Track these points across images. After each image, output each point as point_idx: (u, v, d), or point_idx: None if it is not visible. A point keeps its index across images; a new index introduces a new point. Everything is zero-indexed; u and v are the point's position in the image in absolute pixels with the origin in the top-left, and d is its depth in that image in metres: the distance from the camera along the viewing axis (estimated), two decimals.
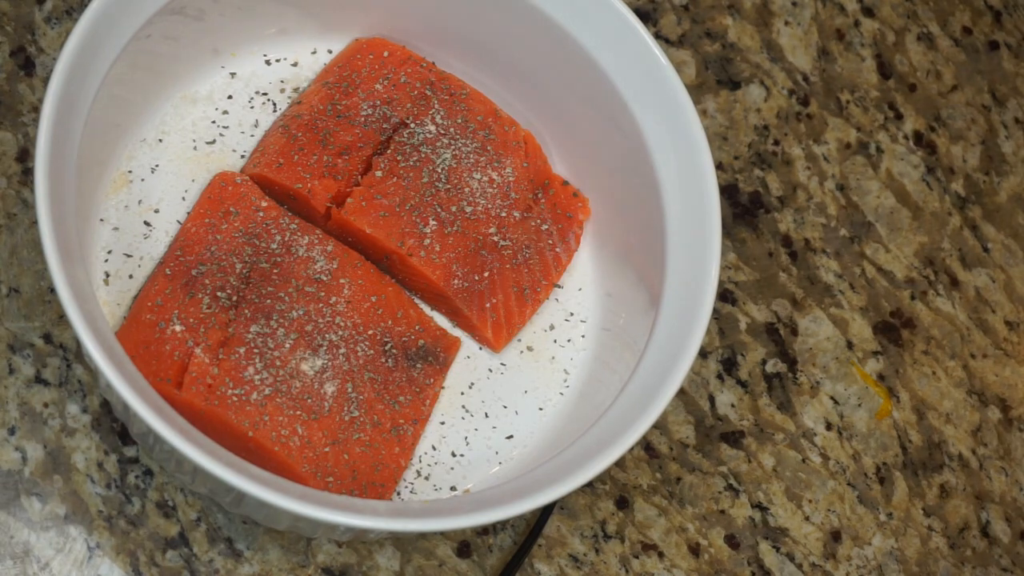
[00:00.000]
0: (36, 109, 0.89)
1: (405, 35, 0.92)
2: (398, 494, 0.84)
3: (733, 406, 0.94)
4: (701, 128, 0.85)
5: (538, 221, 0.90)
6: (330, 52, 0.92)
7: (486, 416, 0.87)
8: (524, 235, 0.89)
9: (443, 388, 0.87)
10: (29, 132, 0.89)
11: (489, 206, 0.88)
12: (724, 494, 0.92)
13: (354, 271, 0.85)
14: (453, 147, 0.88)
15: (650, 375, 0.81)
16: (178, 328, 0.80)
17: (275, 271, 0.83)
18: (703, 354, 0.95)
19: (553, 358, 0.89)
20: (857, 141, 1.03)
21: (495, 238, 0.88)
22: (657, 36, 1.01)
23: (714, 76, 1.02)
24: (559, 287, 0.91)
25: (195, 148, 0.88)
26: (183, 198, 0.87)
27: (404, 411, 0.84)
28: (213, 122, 0.89)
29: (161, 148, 0.88)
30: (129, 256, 0.85)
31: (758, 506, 0.93)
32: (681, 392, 0.94)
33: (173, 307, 0.81)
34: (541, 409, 0.88)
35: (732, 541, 0.92)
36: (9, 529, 0.82)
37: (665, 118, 0.85)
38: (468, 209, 0.87)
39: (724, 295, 0.97)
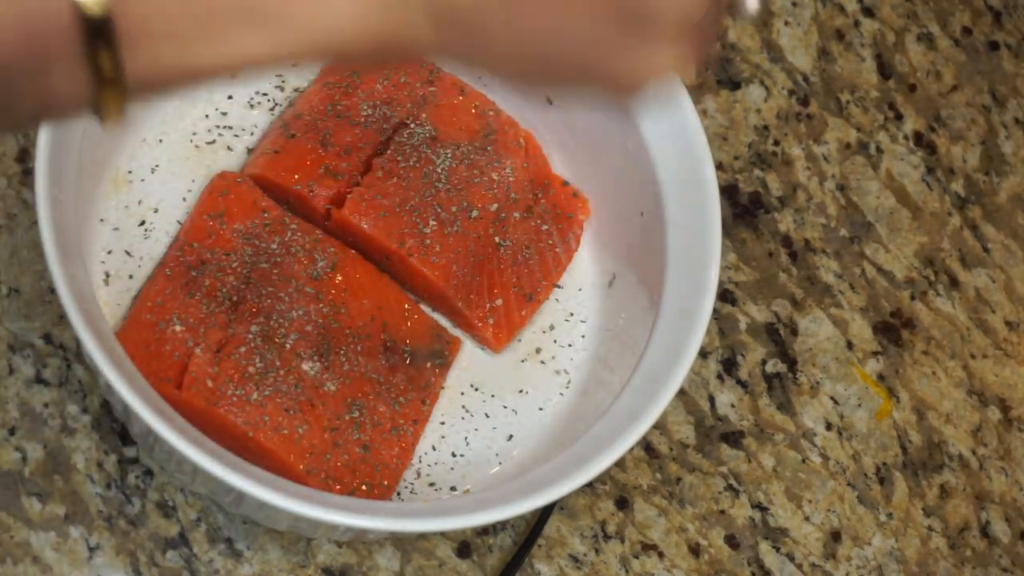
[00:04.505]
0: None
1: None
2: (398, 494, 0.84)
3: (733, 406, 0.94)
4: (701, 128, 0.85)
5: (538, 221, 0.90)
6: None
7: (486, 416, 0.87)
8: (524, 235, 0.89)
9: (443, 388, 0.87)
10: (29, 132, 0.89)
11: (489, 206, 0.88)
12: (724, 494, 0.92)
13: (354, 271, 0.85)
14: (453, 147, 0.88)
15: (650, 375, 0.81)
16: (178, 328, 0.80)
17: (275, 271, 0.83)
18: (703, 354, 0.95)
19: (553, 358, 0.89)
20: (857, 141, 1.03)
21: (495, 238, 0.88)
22: None
23: (714, 76, 1.02)
24: (559, 287, 0.91)
25: (195, 148, 0.88)
26: (183, 198, 0.87)
27: (404, 411, 0.84)
28: (213, 122, 0.89)
29: (161, 148, 0.88)
30: (129, 256, 0.85)
31: (758, 506, 0.93)
32: (681, 392, 0.94)
33: (173, 307, 0.81)
34: (541, 409, 0.88)
35: (732, 541, 0.92)
36: (9, 529, 0.82)
37: (665, 118, 0.85)
38: (468, 209, 0.87)
39: (724, 295, 0.97)
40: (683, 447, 0.93)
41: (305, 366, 0.81)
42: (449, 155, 0.88)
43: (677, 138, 0.85)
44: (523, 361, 0.89)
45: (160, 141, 0.88)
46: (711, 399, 0.94)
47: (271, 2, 0.52)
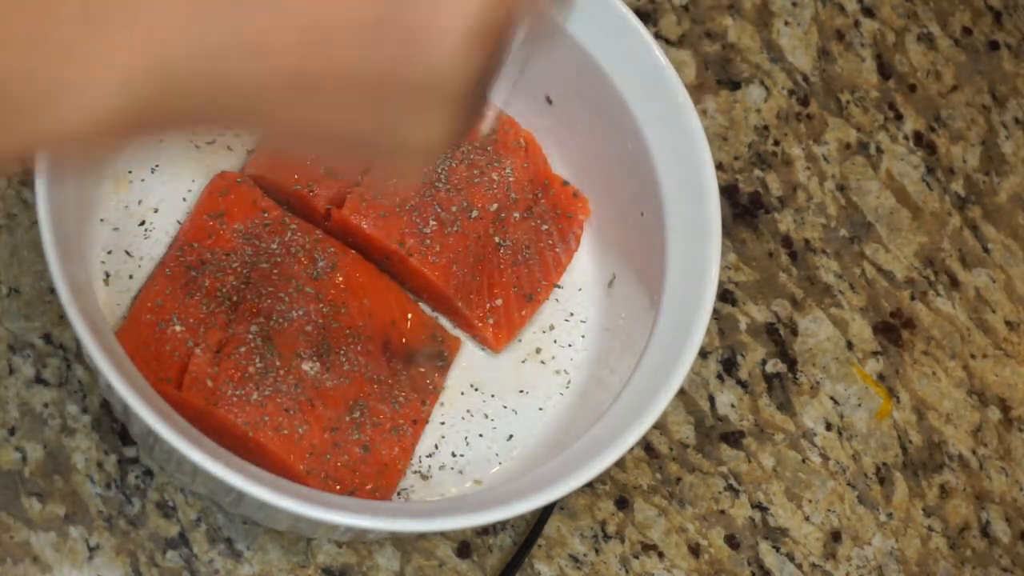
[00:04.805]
0: None
1: None
2: (398, 494, 0.84)
3: (733, 406, 0.94)
4: (701, 128, 0.85)
5: (538, 221, 0.90)
6: None
7: (486, 416, 0.87)
8: (524, 235, 0.89)
9: (443, 388, 0.87)
10: None
11: (489, 206, 0.88)
12: (724, 494, 0.92)
13: (354, 271, 0.85)
14: (453, 147, 0.88)
15: (650, 375, 0.81)
16: (178, 328, 0.80)
17: (275, 271, 0.83)
18: (703, 354, 0.95)
19: (553, 358, 0.89)
20: (857, 141, 1.03)
21: (495, 238, 0.88)
22: (657, 36, 1.01)
23: (714, 76, 1.02)
24: (559, 287, 0.91)
25: (195, 148, 0.88)
26: (183, 198, 0.87)
27: (404, 411, 0.84)
28: None
29: (161, 148, 0.88)
30: (129, 256, 0.85)
31: (758, 506, 0.93)
32: (681, 392, 0.94)
33: (173, 307, 0.81)
34: (541, 409, 0.88)
35: (732, 541, 0.92)
36: (9, 529, 0.82)
37: (665, 118, 0.85)
38: (468, 209, 0.87)
39: (724, 295, 0.97)
40: (683, 447, 0.93)
41: (305, 366, 0.81)
42: (449, 155, 0.88)
43: (677, 138, 0.85)
44: (523, 361, 0.89)
45: (160, 141, 0.88)
46: (711, 399, 0.94)
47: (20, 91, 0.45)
